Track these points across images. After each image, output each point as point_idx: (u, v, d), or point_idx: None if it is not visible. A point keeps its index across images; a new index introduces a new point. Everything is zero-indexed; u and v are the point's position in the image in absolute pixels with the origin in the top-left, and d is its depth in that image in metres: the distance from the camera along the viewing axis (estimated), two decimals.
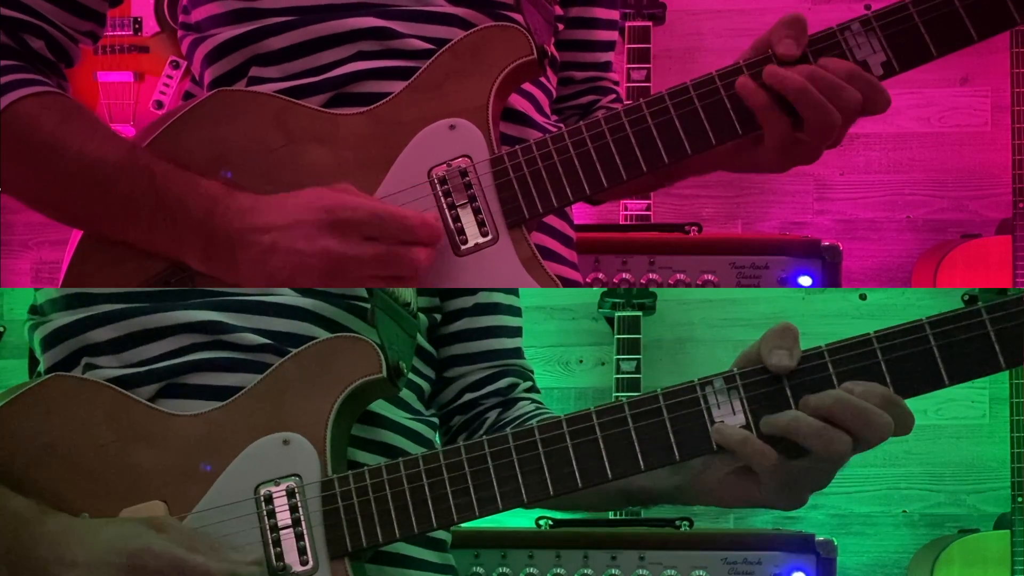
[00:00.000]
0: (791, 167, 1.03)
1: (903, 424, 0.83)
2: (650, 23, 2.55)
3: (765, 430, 0.84)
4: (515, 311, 1.20)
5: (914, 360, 0.83)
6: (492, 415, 1.14)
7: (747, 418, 0.85)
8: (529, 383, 1.19)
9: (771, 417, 0.84)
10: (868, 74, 0.95)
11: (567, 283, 1.16)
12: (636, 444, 0.86)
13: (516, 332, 1.20)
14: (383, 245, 0.90)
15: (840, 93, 0.94)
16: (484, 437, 0.89)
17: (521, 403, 1.15)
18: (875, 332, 0.84)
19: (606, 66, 1.31)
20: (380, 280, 0.91)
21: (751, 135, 0.98)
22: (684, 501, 0.95)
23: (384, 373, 0.93)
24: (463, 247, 0.96)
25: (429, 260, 0.93)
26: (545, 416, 1.10)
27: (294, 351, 0.95)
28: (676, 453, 0.86)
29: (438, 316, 1.15)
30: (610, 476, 0.87)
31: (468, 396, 1.15)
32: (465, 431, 1.15)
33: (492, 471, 0.88)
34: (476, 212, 0.96)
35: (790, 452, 0.84)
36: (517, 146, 0.97)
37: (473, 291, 1.16)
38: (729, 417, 0.85)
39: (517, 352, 1.19)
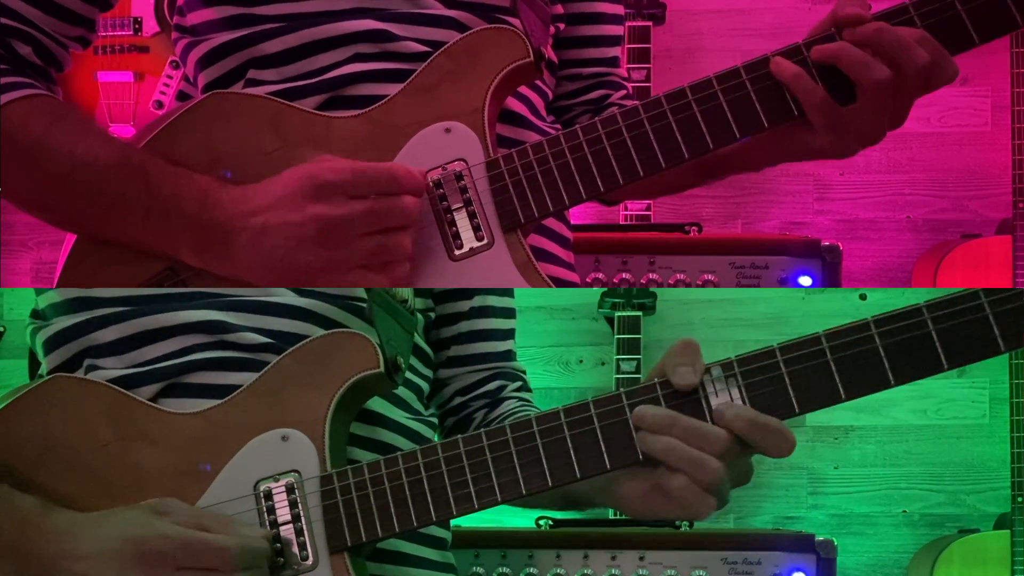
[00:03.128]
0: (857, 147, 1.00)
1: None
2: (650, 23, 2.55)
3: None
4: (508, 313, 1.21)
5: (912, 345, 0.83)
6: (479, 415, 1.16)
7: (745, 405, 0.85)
8: (519, 383, 1.20)
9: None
10: (936, 41, 0.93)
11: (564, 284, 1.16)
12: (635, 434, 0.86)
13: (508, 335, 1.21)
14: (371, 201, 0.90)
15: (909, 51, 0.92)
16: (482, 430, 0.90)
17: (507, 402, 1.17)
18: (873, 317, 0.84)
19: (614, 61, 1.30)
20: (375, 236, 0.91)
21: (800, 119, 0.96)
22: (601, 505, 0.97)
23: (382, 368, 0.93)
24: (458, 251, 0.96)
25: (419, 209, 0.93)
26: (524, 413, 1.11)
27: (292, 348, 0.95)
28: None
29: (432, 315, 1.15)
30: (608, 467, 0.87)
31: (459, 399, 1.18)
32: (456, 431, 1.15)
33: (490, 463, 0.89)
34: (471, 216, 0.96)
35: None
36: (513, 149, 0.97)
37: (468, 295, 1.17)
38: (727, 405, 0.85)
39: (508, 355, 1.21)
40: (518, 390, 1.19)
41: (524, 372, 1.22)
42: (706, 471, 0.83)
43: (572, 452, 0.87)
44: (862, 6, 0.94)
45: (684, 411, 0.86)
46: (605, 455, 0.87)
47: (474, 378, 1.18)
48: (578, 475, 0.87)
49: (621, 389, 0.88)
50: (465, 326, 1.17)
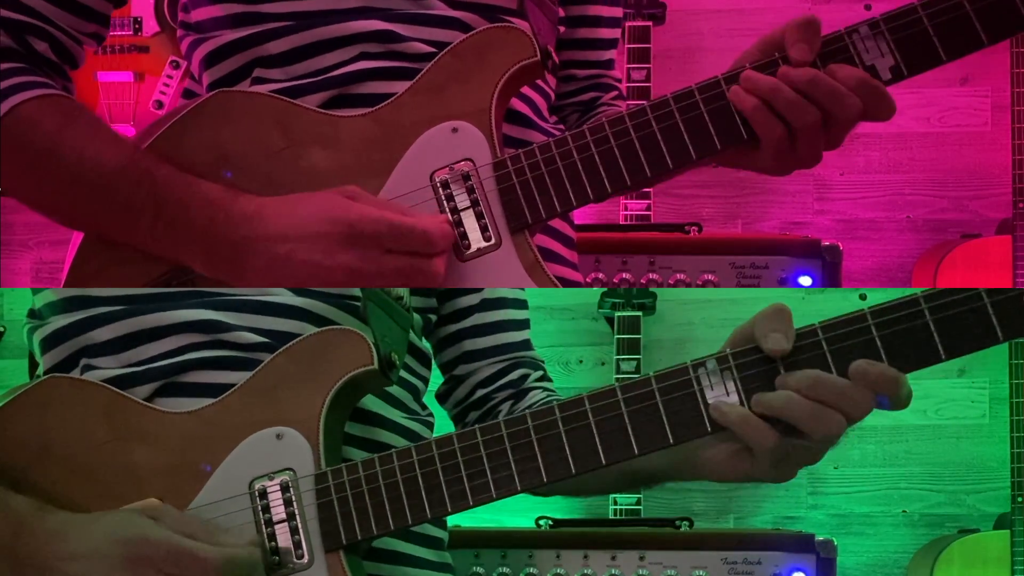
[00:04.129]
0: (791, 171, 1.01)
1: (899, 399, 0.83)
2: (650, 23, 2.55)
3: (757, 409, 0.84)
4: (521, 304, 1.21)
5: (910, 334, 0.83)
6: (505, 407, 1.16)
7: (741, 398, 0.85)
8: (540, 372, 1.20)
9: (764, 396, 0.84)
10: (876, 82, 0.93)
11: (568, 284, 1.16)
12: (629, 429, 0.86)
13: (524, 325, 1.21)
14: (403, 258, 0.90)
15: (843, 100, 0.93)
16: (476, 426, 0.90)
17: (532, 392, 1.17)
18: (869, 308, 0.84)
19: (608, 64, 1.31)
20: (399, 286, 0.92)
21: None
22: (680, 478, 0.97)
23: (376, 365, 0.93)
24: (466, 252, 0.95)
25: (446, 268, 0.93)
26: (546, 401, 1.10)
27: (286, 346, 0.95)
28: (670, 436, 0.86)
29: (433, 317, 1.15)
30: (603, 462, 0.87)
31: (481, 392, 1.17)
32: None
33: (485, 459, 0.88)
34: (479, 216, 0.95)
35: (784, 429, 0.84)
36: (520, 150, 0.97)
37: (476, 288, 1.16)
38: (723, 398, 0.85)
39: (526, 344, 1.20)
40: (540, 380, 1.19)
41: (543, 362, 1.22)
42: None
43: (567, 448, 0.87)
44: (810, 51, 0.94)
45: (675, 404, 0.86)
46: (600, 450, 0.87)
47: (494, 369, 1.17)
48: (573, 470, 0.87)
49: (616, 385, 0.88)
50: (478, 318, 1.17)
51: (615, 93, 1.31)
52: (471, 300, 1.16)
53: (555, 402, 0.89)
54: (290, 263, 0.90)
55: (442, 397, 1.21)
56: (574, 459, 0.87)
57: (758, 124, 0.95)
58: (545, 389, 1.18)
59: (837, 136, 0.96)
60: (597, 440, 0.87)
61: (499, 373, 1.17)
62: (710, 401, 0.85)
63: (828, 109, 0.93)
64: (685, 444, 0.90)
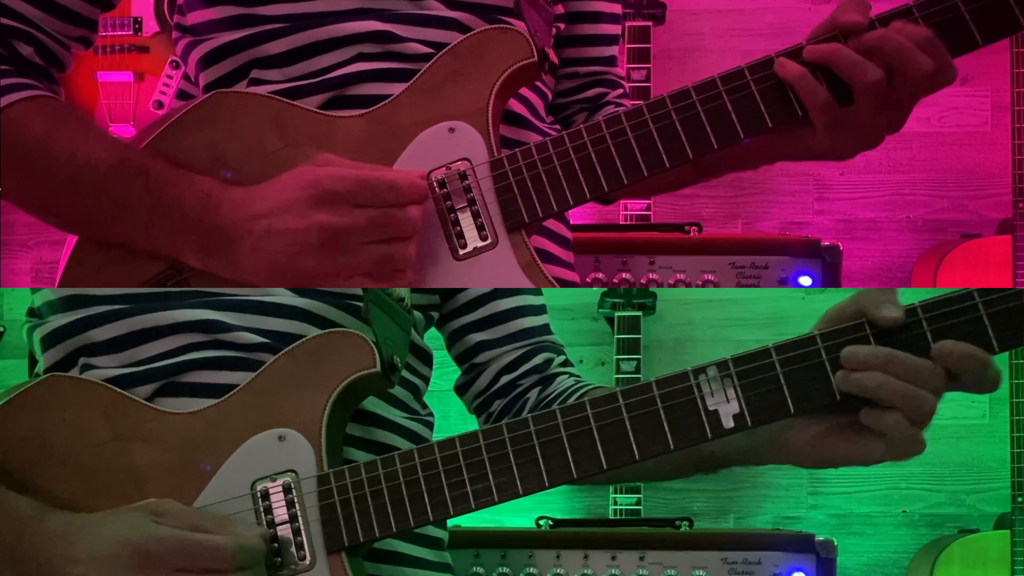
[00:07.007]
0: (855, 150, 1.00)
1: (983, 380, 0.86)
2: (650, 23, 2.55)
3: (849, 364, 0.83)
4: (536, 290, 1.19)
5: (908, 346, 0.84)
6: (533, 394, 1.14)
7: (740, 406, 0.85)
8: (563, 357, 1.17)
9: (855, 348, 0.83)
10: (940, 41, 0.92)
11: (564, 284, 1.16)
12: (631, 434, 0.87)
13: (541, 310, 1.18)
14: (375, 211, 0.90)
15: (912, 58, 0.92)
16: (480, 429, 0.90)
17: (560, 378, 1.14)
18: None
19: (611, 60, 1.30)
20: (380, 246, 0.91)
21: (803, 120, 0.96)
22: (759, 462, 0.93)
23: (378, 367, 0.93)
24: (462, 251, 0.96)
25: (422, 218, 0.93)
26: (584, 389, 1.09)
27: (288, 347, 0.95)
28: (671, 442, 0.86)
29: (435, 314, 1.15)
30: (605, 467, 0.87)
31: (505, 378, 1.15)
32: (507, 414, 1.14)
33: (487, 463, 0.89)
34: (475, 216, 0.96)
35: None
36: (517, 149, 0.97)
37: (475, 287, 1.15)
38: (723, 405, 0.86)
39: (546, 328, 1.18)
40: (563, 364, 1.17)
41: (563, 346, 1.19)
42: (921, 406, 0.82)
43: (568, 453, 0.88)
44: (862, 13, 0.94)
45: (675, 411, 0.86)
46: (602, 455, 0.87)
47: (517, 354, 1.15)
48: (575, 475, 0.87)
49: (632, 384, 0.88)
50: (496, 306, 1.15)
51: (620, 91, 1.31)
52: (482, 289, 1.14)
53: (557, 407, 0.89)
54: (270, 236, 0.90)
55: (461, 388, 1.18)
56: (575, 465, 0.87)
57: (804, 90, 0.94)
58: (571, 375, 1.15)
59: (901, 110, 0.95)
60: (599, 445, 0.87)
61: (522, 358, 1.15)
62: (710, 408, 0.85)
63: (897, 68, 0.92)
64: (766, 431, 0.88)
